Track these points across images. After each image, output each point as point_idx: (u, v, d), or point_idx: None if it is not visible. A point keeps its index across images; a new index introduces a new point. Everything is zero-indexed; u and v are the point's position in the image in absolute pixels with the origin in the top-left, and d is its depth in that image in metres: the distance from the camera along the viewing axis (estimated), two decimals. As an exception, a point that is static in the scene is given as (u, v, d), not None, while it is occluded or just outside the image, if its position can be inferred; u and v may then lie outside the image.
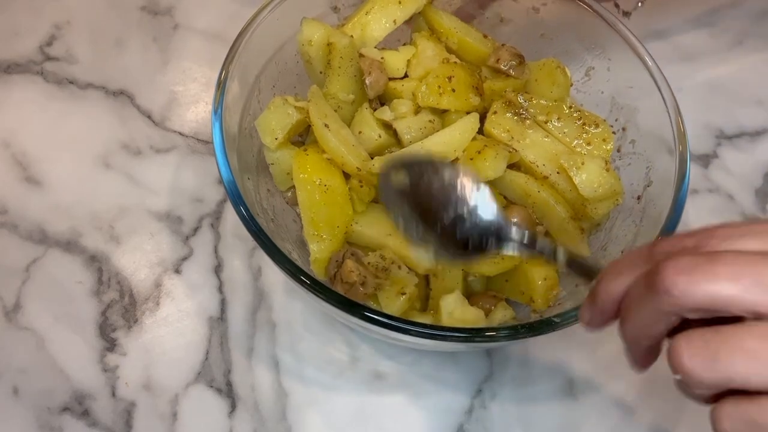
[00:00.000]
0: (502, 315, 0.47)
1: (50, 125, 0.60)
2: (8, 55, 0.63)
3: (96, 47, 0.64)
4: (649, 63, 0.50)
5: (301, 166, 0.47)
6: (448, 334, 0.41)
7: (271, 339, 0.52)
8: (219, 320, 0.53)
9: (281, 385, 0.50)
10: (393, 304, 0.46)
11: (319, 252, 0.47)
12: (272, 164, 0.50)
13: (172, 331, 0.52)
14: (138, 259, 0.55)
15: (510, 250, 0.38)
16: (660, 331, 0.30)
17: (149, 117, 0.61)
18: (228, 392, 0.50)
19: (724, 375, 0.27)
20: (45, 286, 0.53)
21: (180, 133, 0.60)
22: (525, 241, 0.38)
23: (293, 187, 0.49)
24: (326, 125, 0.47)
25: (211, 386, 0.50)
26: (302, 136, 0.52)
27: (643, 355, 0.32)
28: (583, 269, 0.36)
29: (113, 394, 0.49)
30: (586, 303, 0.33)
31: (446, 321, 0.45)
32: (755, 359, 0.26)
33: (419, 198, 0.40)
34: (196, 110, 0.62)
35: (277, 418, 0.49)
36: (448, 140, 0.47)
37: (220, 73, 0.47)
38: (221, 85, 0.47)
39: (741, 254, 0.28)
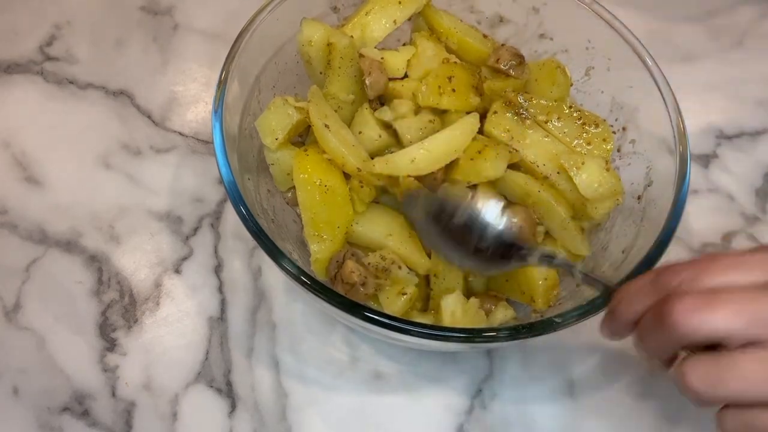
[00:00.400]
0: (502, 315, 0.47)
1: (50, 125, 0.60)
2: (8, 55, 0.63)
3: (96, 47, 0.64)
4: (649, 63, 0.50)
5: (301, 166, 0.47)
6: (448, 334, 0.41)
7: (271, 339, 0.52)
8: (219, 320, 0.53)
9: (281, 385, 0.50)
10: (394, 304, 0.46)
11: (319, 252, 0.47)
12: (272, 164, 0.50)
13: (172, 331, 0.52)
14: (138, 259, 0.55)
15: (533, 263, 0.43)
16: (672, 353, 0.36)
17: (149, 117, 0.61)
18: (228, 392, 0.50)
19: (723, 395, 0.33)
20: (45, 286, 0.53)
21: (180, 133, 0.61)
22: (546, 257, 0.43)
23: (293, 187, 0.49)
24: (326, 125, 0.47)
25: (211, 386, 0.50)
26: (302, 137, 0.52)
27: (662, 365, 0.38)
28: (596, 285, 0.41)
29: (113, 394, 0.49)
30: (606, 320, 0.40)
31: (447, 321, 0.45)
32: (747, 381, 0.32)
33: (448, 226, 0.45)
34: (196, 110, 0.62)
35: (277, 418, 0.49)
36: (449, 140, 0.47)
37: (221, 73, 0.47)
38: (221, 85, 0.47)
39: (737, 292, 0.33)
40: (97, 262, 0.54)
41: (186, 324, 0.52)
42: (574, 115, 0.51)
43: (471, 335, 0.41)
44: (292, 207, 0.51)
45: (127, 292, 0.53)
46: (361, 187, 0.47)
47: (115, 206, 0.57)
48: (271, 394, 0.50)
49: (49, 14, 0.65)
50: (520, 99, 0.51)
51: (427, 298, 0.49)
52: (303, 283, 0.41)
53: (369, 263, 0.46)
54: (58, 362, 0.50)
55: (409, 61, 0.52)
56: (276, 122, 0.48)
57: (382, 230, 0.48)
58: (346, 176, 0.48)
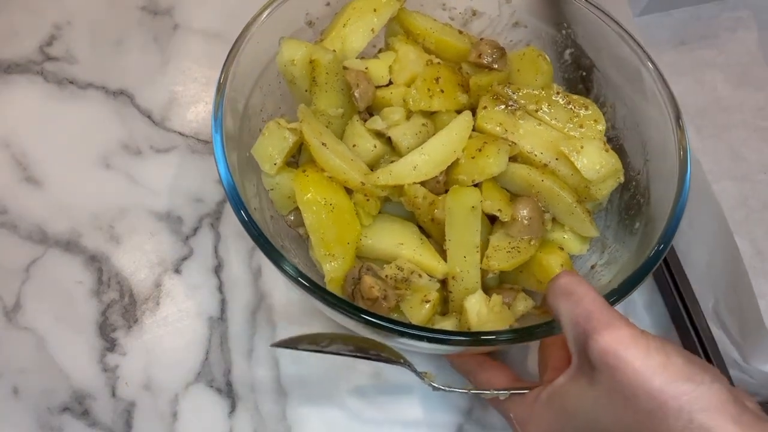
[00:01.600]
0: (523, 306, 0.47)
1: (50, 125, 0.60)
2: (8, 55, 0.63)
3: (96, 47, 0.64)
4: (627, 37, 0.50)
5: (303, 187, 0.46)
6: (485, 338, 0.40)
7: (271, 339, 0.52)
8: (219, 320, 0.53)
9: (281, 385, 0.50)
10: (418, 313, 0.45)
11: (333, 271, 0.46)
12: (272, 190, 0.49)
13: (172, 331, 0.52)
14: (138, 259, 0.55)
15: None
16: None
17: (149, 117, 0.61)
18: (228, 392, 0.50)
19: None
20: (45, 286, 0.53)
21: (180, 133, 0.60)
22: None
23: (294, 209, 0.49)
24: (323, 144, 0.46)
25: (211, 386, 0.50)
26: (294, 157, 0.51)
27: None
28: None
29: (113, 394, 0.49)
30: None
31: (474, 322, 0.44)
32: None
33: None
34: (196, 110, 0.62)
35: (277, 418, 0.49)
36: (447, 142, 0.47)
37: (214, 111, 0.45)
38: (217, 123, 0.45)
39: None
40: (97, 262, 0.54)
41: (186, 324, 0.52)
42: (563, 100, 0.51)
43: (515, 335, 0.40)
44: (294, 229, 0.50)
45: (127, 292, 0.53)
46: (367, 200, 0.47)
47: (115, 206, 0.57)
48: (271, 394, 0.50)
49: (49, 14, 0.65)
50: (508, 91, 0.50)
51: (445, 301, 0.48)
52: (323, 299, 0.40)
53: (387, 276, 0.46)
54: (58, 362, 0.50)
55: (390, 66, 0.52)
56: (272, 147, 0.48)
57: (393, 240, 0.47)
58: (348, 191, 0.48)
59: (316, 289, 0.40)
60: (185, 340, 0.52)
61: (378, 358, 0.43)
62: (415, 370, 0.44)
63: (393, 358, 0.43)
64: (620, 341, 0.33)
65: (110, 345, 0.51)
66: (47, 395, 0.49)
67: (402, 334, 0.39)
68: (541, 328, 0.40)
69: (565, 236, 0.49)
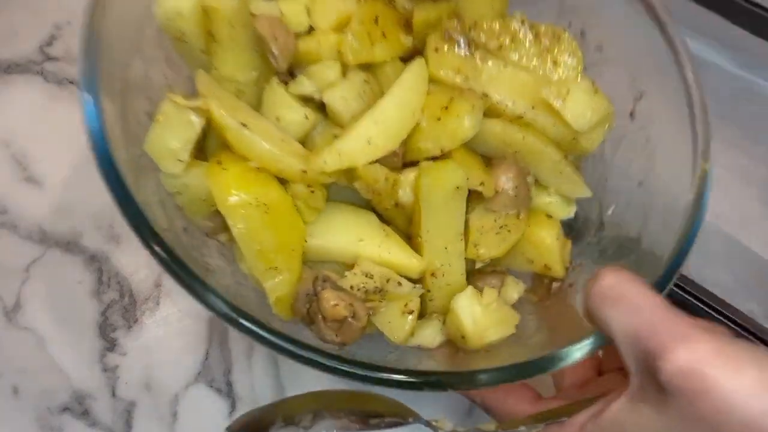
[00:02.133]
0: (516, 292, 0.41)
1: (50, 125, 0.60)
2: (8, 55, 0.63)
3: (96, 47, 0.64)
4: None
5: (224, 187, 0.34)
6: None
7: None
8: (219, 320, 0.52)
9: (281, 385, 0.50)
10: (400, 327, 0.38)
11: (278, 288, 0.36)
12: (178, 193, 0.37)
13: (172, 331, 0.52)
14: (138, 259, 0.54)
15: None
16: None
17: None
18: (228, 392, 0.50)
19: None
20: (45, 286, 0.53)
21: (180, 133, 0.60)
22: None
23: (212, 213, 0.38)
24: (243, 124, 0.35)
25: (211, 386, 0.50)
26: (199, 144, 0.38)
27: None
28: None
29: (113, 394, 0.49)
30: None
31: (471, 328, 0.37)
32: None
33: None
34: (196, 110, 0.62)
35: (277, 418, 0.49)
36: (402, 102, 0.36)
37: (84, 96, 0.35)
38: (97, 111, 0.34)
39: None
40: (97, 262, 0.54)
41: (186, 324, 0.52)
42: (530, 32, 0.40)
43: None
44: (212, 237, 0.39)
45: (127, 292, 0.53)
46: (312, 192, 0.36)
47: (115, 206, 0.56)
48: (271, 394, 0.50)
49: (49, 14, 0.65)
50: (460, 26, 0.39)
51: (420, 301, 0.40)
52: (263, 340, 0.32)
53: (351, 286, 0.36)
54: (58, 362, 0.50)
55: (308, 7, 0.39)
56: (173, 138, 0.35)
57: (349, 236, 0.37)
58: (282, 181, 0.37)
59: (260, 328, 0.31)
60: (185, 340, 0.52)
61: (380, 426, 0.34)
62: (425, 422, 0.36)
63: (399, 419, 0.35)
64: (701, 359, 0.26)
65: (110, 345, 0.51)
66: (47, 395, 0.49)
67: (421, 386, 0.31)
68: (586, 343, 0.33)
69: (551, 200, 0.41)
